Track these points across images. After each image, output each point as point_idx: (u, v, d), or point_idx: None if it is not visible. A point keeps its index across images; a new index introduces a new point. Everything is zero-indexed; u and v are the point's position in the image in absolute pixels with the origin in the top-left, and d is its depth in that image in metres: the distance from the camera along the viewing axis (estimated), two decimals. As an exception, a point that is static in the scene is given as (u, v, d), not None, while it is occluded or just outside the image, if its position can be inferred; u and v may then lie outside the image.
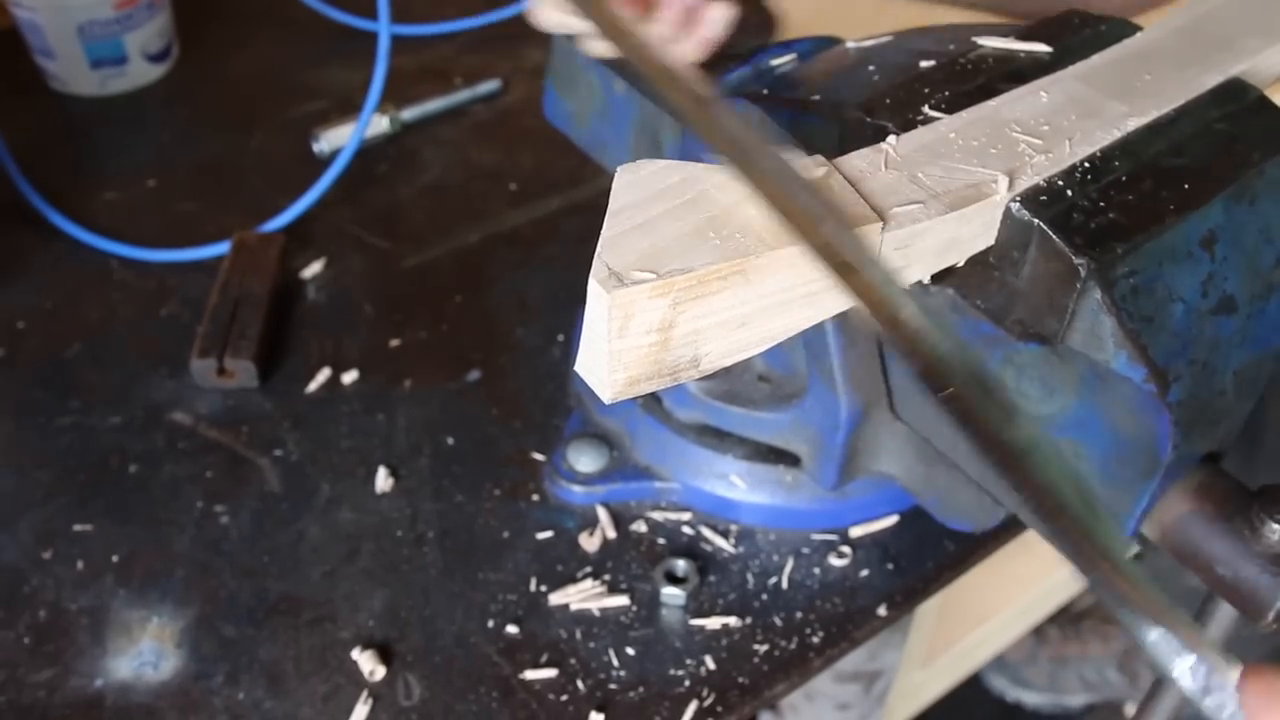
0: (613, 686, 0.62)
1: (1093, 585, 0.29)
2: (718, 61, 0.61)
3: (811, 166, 0.40)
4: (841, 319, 0.56)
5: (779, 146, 0.31)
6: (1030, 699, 1.57)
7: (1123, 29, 0.53)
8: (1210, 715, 0.28)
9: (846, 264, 0.31)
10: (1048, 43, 0.51)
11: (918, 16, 0.66)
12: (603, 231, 0.37)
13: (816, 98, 0.52)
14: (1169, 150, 0.46)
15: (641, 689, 0.61)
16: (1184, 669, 0.28)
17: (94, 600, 0.64)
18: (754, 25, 0.65)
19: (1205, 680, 0.28)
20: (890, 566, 0.67)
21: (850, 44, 0.62)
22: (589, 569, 0.66)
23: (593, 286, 0.35)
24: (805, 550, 0.68)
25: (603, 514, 0.69)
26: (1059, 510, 0.29)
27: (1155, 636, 0.28)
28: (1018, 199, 0.43)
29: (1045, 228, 0.42)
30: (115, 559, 0.66)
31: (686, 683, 0.62)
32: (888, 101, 0.48)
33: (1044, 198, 0.43)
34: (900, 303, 0.30)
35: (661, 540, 0.68)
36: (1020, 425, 0.29)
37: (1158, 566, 0.50)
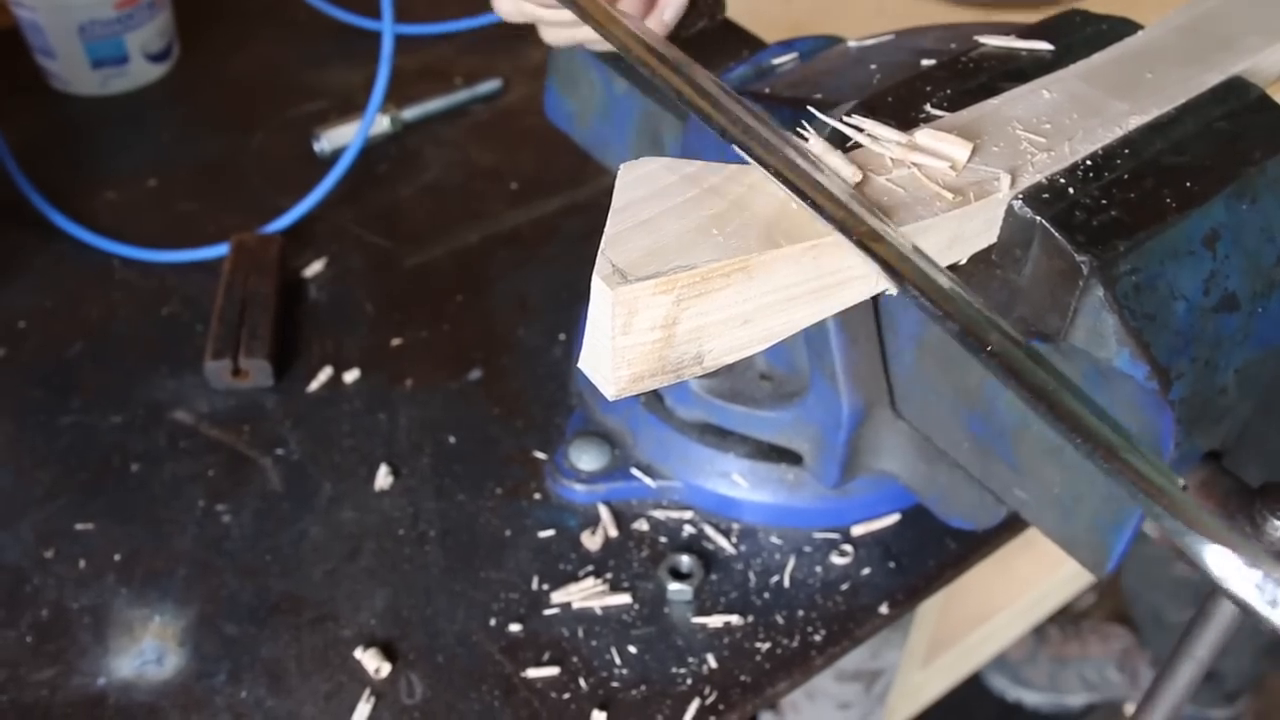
0: (615, 685, 0.62)
1: (1154, 517, 0.30)
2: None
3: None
4: (844, 316, 0.56)
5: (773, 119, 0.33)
6: (1030, 699, 1.57)
7: (1124, 27, 0.53)
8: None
9: (871, 233, 0.32)
10: (1049, 41, 0.51)
11: (915, 15, 0.66)
12: (606, 228, 0.37)
13: (818, 96, 0.52)
14: (1171, 148, 0.46)
15: (644, 687, 0.61)
16: (1250, 585, 0.29)
17: (96, 599, 0.64)
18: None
19: (1274, 594, 0.29)
20: (892, 565, 0.67)
21: (851, 43, 0.62)
22: (591, 567, 0.67)
23: (596, 283, 0.35)
24: (807, 548, 0.68)
25: (604, 512, 0.69)
26: (1112, 452, 0.30)
27: (1216, 557, 0.29)
28: (1020, 197, 0.43)
29: (1047, 225, 0.42)
30: (117, 558, 0.66)
31: (689, 681, 0.62)
32: (889, 100, 0.48)
33: (1046, 195, 0.43)
34: (926, 267, 0.31)
35: (663, 539, 0.68)
36: (1050, 372, 0.31)
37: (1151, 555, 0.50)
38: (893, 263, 0.33)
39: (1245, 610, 0.30)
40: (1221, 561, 0.30)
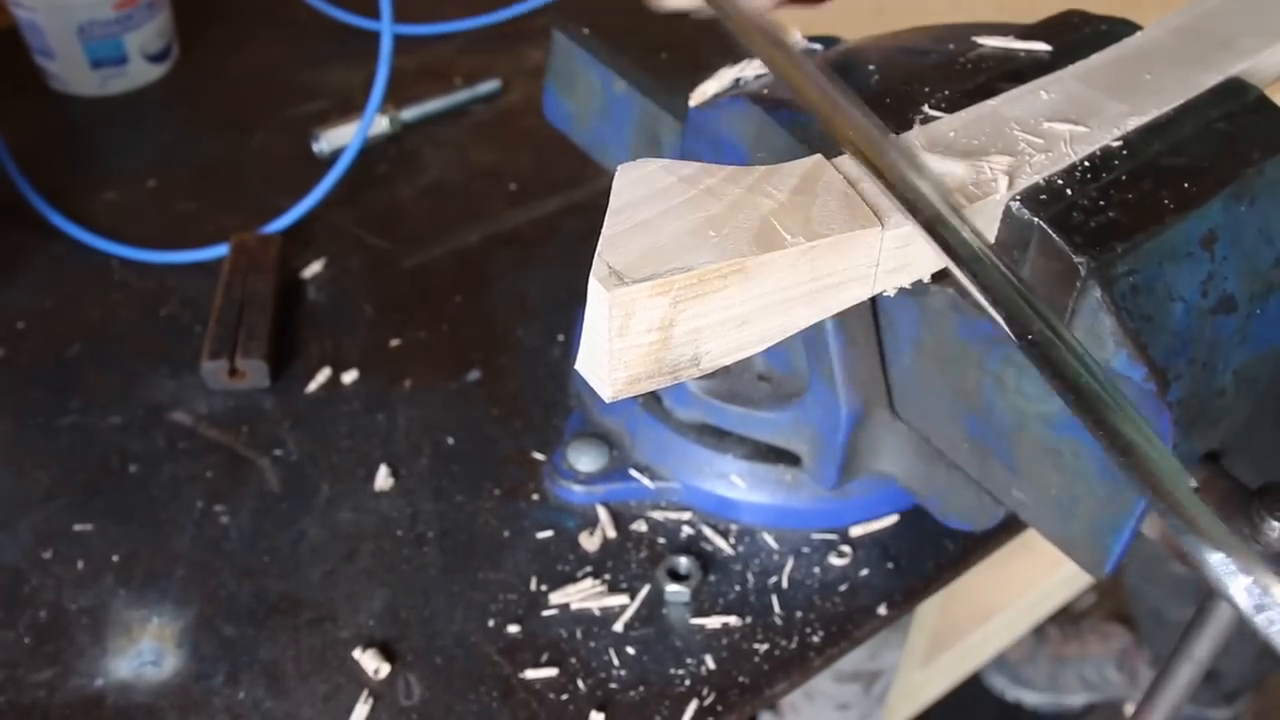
0: (613, 686, 0.62)
1: (1162, 514, 0.32)
2: None
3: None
4: (842, 318, 0.56)
5: (861, 101, 0.36)
6: (1030, 699, 1.57)
7: (1122, 28, 0.53)
8: (1262, 630, 0.31)
9: (937, 216, 0.36)
10: (1048, 42, 0.51)
11: (915, 15, 0.66)
12: (603, 230, 0.37)
13: (816, 97, 0.52)
14: (1169, 149, 0.46)
15: (642, 688, 0.61)
16: (1240, 589, 0.31)
17: (94, 600, 0.64)
18: None
19: (1260, 599, 0.31)
20: (890, 566, 0.67)
21: (850, 43, 0.62)
22: (589, 568, 0.66)
23: (593, 285, 0.35)
24: (805, 549, 0.68)
25: (603, 513, 0.69)
26: (1130, 449, 0.32)
27: (1215, 560, 0.31)
28: (1017, 198, 0.43)
29: (1045, 226, 0.42)
30: (115, 559, 0.66)
31: (687, 682, 0.62)
32: (887, 101, 0.48)
33: (1044, 196, 0.43)
34: (981, 251, 0.35)
35: (662, 540, 0.68)
36: (1091, 374, 0.33)
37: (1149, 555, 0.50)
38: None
39: (1241, 615, 0.31)
40: (1219, 565, 0.31)
